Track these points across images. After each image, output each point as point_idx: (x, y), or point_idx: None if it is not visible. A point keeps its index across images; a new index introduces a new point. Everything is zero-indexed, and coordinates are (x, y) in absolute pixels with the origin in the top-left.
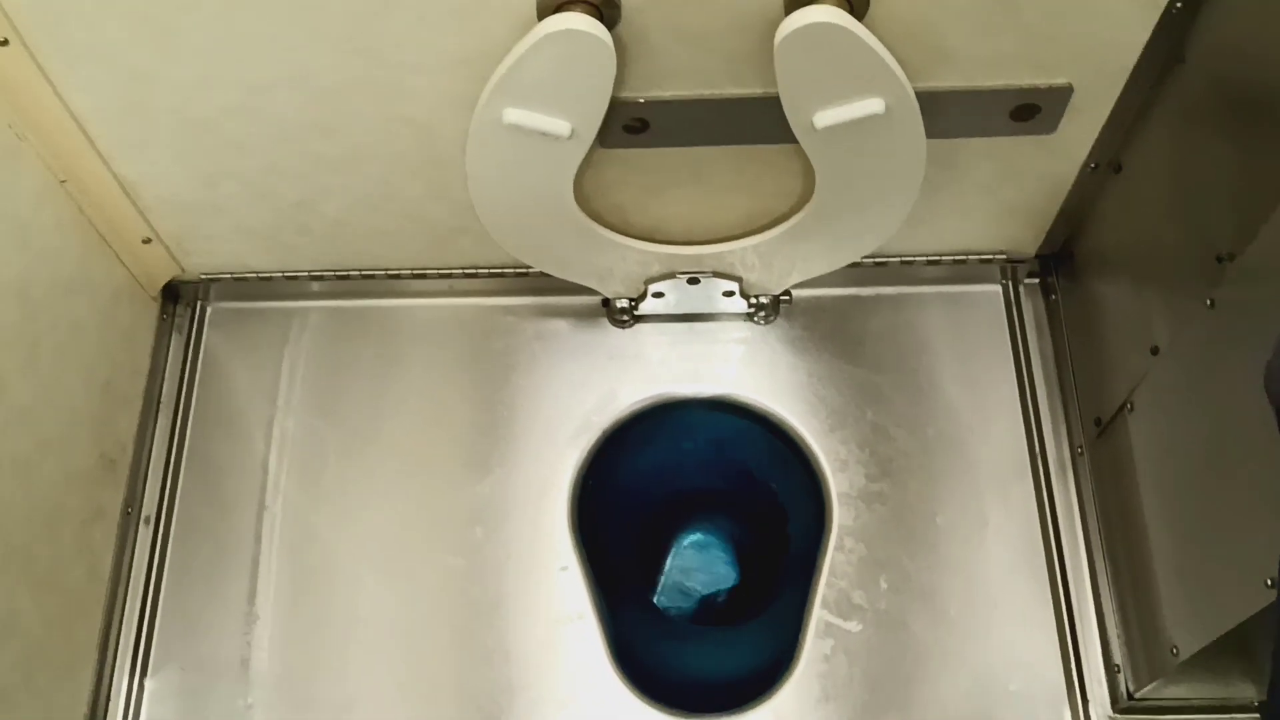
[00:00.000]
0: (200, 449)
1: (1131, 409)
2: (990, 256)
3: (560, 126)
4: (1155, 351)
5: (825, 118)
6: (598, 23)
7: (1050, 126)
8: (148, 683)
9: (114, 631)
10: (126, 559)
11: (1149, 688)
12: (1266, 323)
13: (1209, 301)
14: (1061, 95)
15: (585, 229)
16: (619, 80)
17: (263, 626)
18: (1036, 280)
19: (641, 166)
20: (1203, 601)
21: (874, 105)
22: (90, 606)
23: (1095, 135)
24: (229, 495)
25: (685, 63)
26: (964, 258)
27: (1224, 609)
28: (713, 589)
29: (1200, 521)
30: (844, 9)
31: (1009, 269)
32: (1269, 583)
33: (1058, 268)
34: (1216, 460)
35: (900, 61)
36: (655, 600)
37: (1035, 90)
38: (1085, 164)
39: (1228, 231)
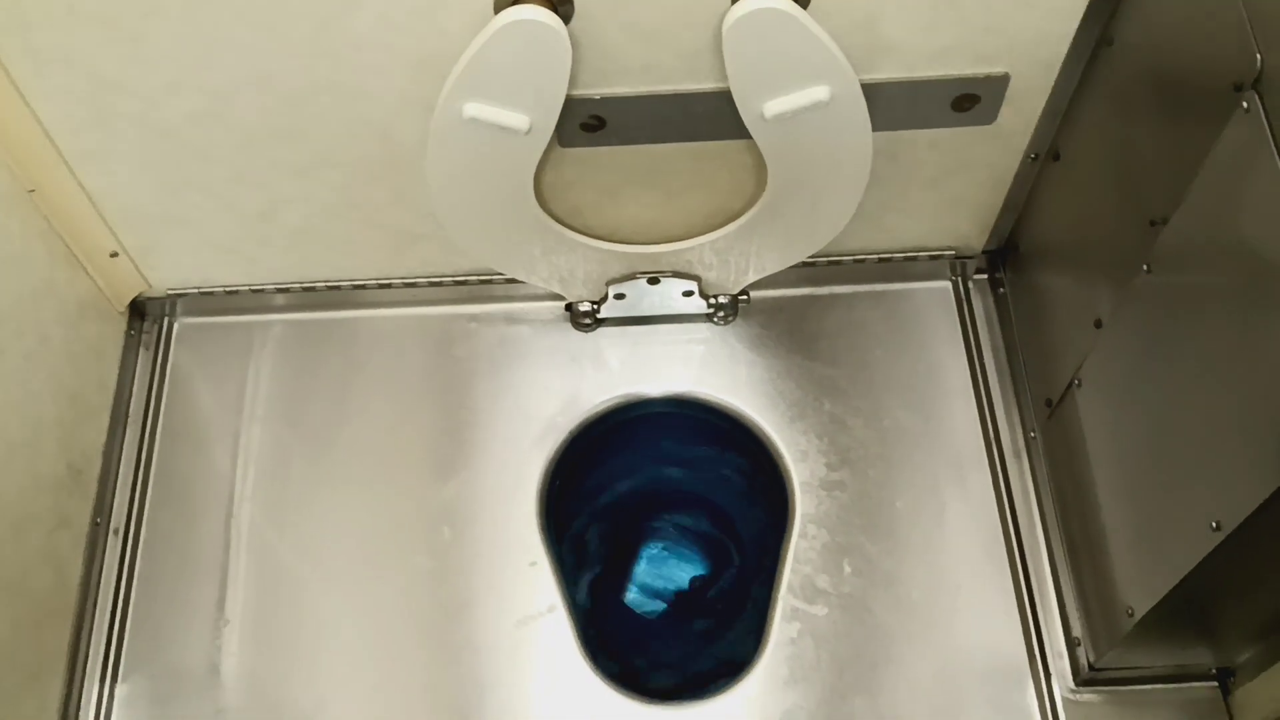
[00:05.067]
0: (168, 461)
1: (1079, 385)
2: (939, 253)
3: (519, 120)
4: (1099, 324)
5: (774, 106)
6: (553, 14)
7: (990, 116)
8: (118, 689)
9: (84, 639)
10: (96, 568)
11: (1108, 656)
12: (1201, 281)
13: (1146, 267)
14: (999, 84)
15: (546, 227)
16: (575, 78)
17: (232, 632)
18: (985, 276)
19: (599, 166)
20: (1152, 557)
21: (820, 93)
22: (59, 613)
23: (1034, 124)
24: (197, 505)
25: (640, 58)
26: (914, 255)
27: (1172, 560)
28: (682, 583)
29: (1147, 481)
30: None
31: (958, 265)
32: (1214, 525)
33: (1004, 262)
34: (1161, 420)
35: (843, 53)
36: (626, 599)
37: (974, 80)
38: (1026, 154)
39: (1160, 198)
